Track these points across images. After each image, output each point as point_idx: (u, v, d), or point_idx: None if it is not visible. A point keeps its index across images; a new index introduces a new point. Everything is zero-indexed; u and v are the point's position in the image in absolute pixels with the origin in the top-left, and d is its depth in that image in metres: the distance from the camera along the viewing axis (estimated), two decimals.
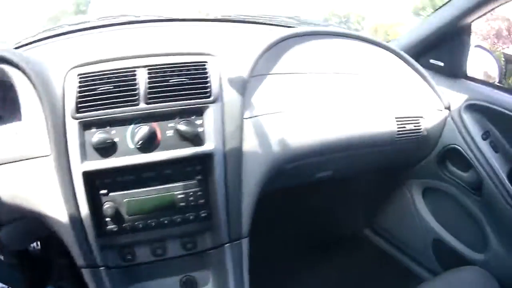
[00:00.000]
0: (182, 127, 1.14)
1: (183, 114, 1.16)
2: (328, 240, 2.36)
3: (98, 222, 1.10)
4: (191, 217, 1.17)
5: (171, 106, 1.15)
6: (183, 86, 1.16)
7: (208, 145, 1.16)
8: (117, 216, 1.11)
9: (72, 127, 1.07)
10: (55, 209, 1.07)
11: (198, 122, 1.17)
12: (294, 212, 2.36)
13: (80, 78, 1.11)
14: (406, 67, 1.76)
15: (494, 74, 1.93)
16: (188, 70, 1.18)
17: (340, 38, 1.66)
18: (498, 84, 1.87)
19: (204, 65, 1.21)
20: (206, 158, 1.16)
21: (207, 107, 1.17)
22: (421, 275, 2.04)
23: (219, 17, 1.91)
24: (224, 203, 1.17)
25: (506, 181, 1.60)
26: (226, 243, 1.20)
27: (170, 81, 1.16)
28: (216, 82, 1.20)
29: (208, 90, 1.18)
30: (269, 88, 1.35)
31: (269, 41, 1.38)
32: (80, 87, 1.10)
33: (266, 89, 1.35)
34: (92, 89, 1.10)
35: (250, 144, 1.21)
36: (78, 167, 1.07)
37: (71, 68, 1.13)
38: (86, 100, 1.09)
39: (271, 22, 1.92)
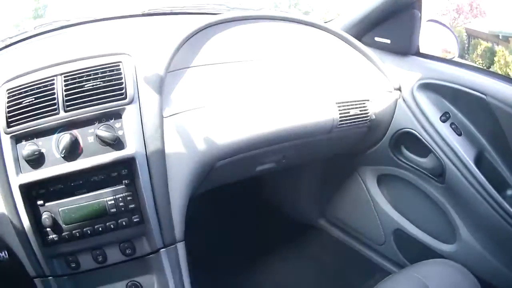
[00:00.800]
0: (101, 132, 1.14)
1: (102, 118, 1.16)
2: (281, 233, 2.32)
3: (40, 232, 1.12)
4: (124, 222, 1.17)
5: (88, 111, 1.15)
6: (99, 89, 1.16)
7: (129, 149, 1.15)
8: (55, 226, 1.11)
9: (6, 142, 1.11)
10: (2, 221, 1.11)
11: (117, 125, 1.16)
12: (244, 206, 2.34)
13: (8, 93, 1.14)
14: (348, 47, 1.66)
15: (453, 49, 1.83)
16: (103, 72, 1.17)
17: (270, 22, 1.57)
18: (456, 60, 1.78)
19: (118, 65, 1.20)
20: (129, 162, 1.15)
21: (124, 109, 1.16)
22: (385, 268, 1.97)
23: (146, 11, 1.82)
24: (153, 207, 1.16)
25: (473, 166, 1.50)
26: (161, 248, 1.20)
27: (85, 86, 1.15)
28: (131, 82, 1.18)
29: (123, 91, 1.17)
30: (189, 83, 1.32)
31: (185, 33, 1.35)
32: (8, 102, 1.13)
33: (187, 84, 1.32)
34: (18, 102, 1.13)
35: (172, 144, 1.20)
36: (15, 180, 1.09)
37: (2, 84, 1.16)
38: (14, 114, 1.12)
39: (198, 11, 1.84)
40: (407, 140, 1.66)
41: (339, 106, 1.52)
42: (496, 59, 14.35)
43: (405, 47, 1.68)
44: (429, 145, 1.57)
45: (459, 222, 1.61)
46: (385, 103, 1.63)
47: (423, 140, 1.58)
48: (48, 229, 1.12)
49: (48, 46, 1.50)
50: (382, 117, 1.63)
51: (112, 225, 1.16)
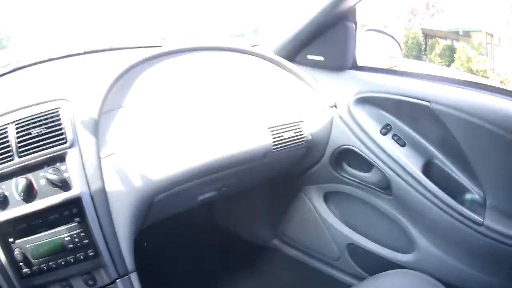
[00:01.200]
0: (50, 175, 1.19)
1: (50, 162, 1.22)
2: (237, 255, 2.32)
3: (15, 266, 1.17)
4: (81, 256, 1.21)
5: (38, 156, 1.20)
6: (43, 135, 1.21)
7: (75, 190, 1.20)
8: (26, 261, 1.17)
9: None
10: None
11: (63, 168, 1.21)
12: (197, 232, 2.36)
13: None
14: (279, 70, 1.66)
15: (396, 55, 1.82)
16: (46, 119, 1.23)
17: (200, 52, 1.59)
18: (396, 69, 1.77)
19: (57, 111, 1.26)
20: (77, 202, 1.20)
21: (66, 152, 1.22)
22: (345, 281, 1.93)
23: (86, 49, 1.84)
24: (103, 242, 1.21)
25: (420, 175, 1.48)
26: (117, 279, 1.24)
27: (32, 132, 1.21)
28: (69, 127, 1.24)
29: (63, 136, 1.22)
30: (123, 122, 1.35)
31: (116, 73, 1.37)
32: None
33: (120, 124, 1.34)
34: None
35: (112, 183, 1.24)
36: None
37: None
38: None
39: (135, 46, 1.88)
40: (348, 156, 1.65)
41: (272, 131, 1.52)
42: (456, 56, 14.65)
43: (339, 62, 1.66)
44: (370, 160, 1.56)
45: (414, 231, 1.59)
46: (320, 122, 1.62)
47: (364, 155, 1.57)
48: (21, 263, 1.17)
49: (1, 91, 1.53)
50: (319, 136, 1.63)
51: (72, 259, 1.21)
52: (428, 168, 1.53)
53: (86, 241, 1.22)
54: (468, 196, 1.49)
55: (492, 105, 1.40)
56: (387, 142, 1.54)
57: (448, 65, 15.35)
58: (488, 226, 1.41)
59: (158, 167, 1.35)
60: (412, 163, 1.51)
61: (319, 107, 1.63)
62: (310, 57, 1.71)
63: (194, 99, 1.47)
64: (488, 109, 1.38)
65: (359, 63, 1.75)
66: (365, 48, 1.76)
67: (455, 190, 1.50)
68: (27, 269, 1.18)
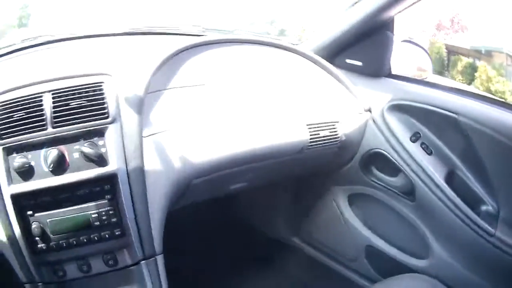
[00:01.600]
0: (86, 149, 1.18)
1: (87, 136, 1.21)
2: (256, 250, 2.36)
3: (30, 241, 1.16)
4: (106, 235, 1.21)
5: (74, 128, 1.19)
6: (83, 108, 1.20)
7: (111, 166, 1.19)
8: (44, 235, 1.16)
9: None
10: None
11: (101, 143, 1.21)
12: (220, 223, 2.38)
13: (0, 106, 1.18)
14: (319, 69, 1.71)
15: (427, 68, 1.86)
16: (87, 92, 1.22)
17: (244, 45, 1.62)
18: (428, 80, 1.79)
19: (101, 86, 1.25)
20: (111, 178, 1.20)
21: (107, 127, 1.21)
22: (359, 283, 1.98)
23: (126, 30, 1.88)
24: (134, 221, 1.21)
25: (443, 184, 1.53)
26: (141, 260, 1.24)
27: (71, 104, 1.20)
28: (113, 102, 1.23)
29: (105, 111, 1.22)
30: (167, 104, 1.37)
31: (163, 55, 1.40)
32: (0, 114, 1.17)
33: (165, 105, 1.36)
34: (9, 116, 1.16)
35: (151, 162, 1.24)
36: (6, 190, 1.13)
37: None
38: (5, 127, 1.16)
39: (176, 32, 1.90)
40: (377, 160, 1.69)
41: (309, 128, 1.56)
42: (477, 74, 14.49)
43: (377, 69, 1.71)
44: (398, 165, 1.61)
45: (431, 238, 1.64)
46: (355, 124, 1.66)
47: (393, 159, 1.62)
48: (37, 238, 1.16)
49: (36, 61, 1.54)
50: (352, 138, 1.67)
51: (95, 237, 1.20)
52: (451, 178, 1.58)
53: (114, 219, 1.21)
54: (483, 207, 1.54)
55: None
56: (416, 149, 1.59)
57: (469, 83, 15.27)
58: (499, 237, 1.47)
59: (199, 152, 1.37)
60: (437, 172, 1.56)
61: (355, 110, 1.68)
62: (349, 61, 1.76)
63: (238, 89, 1.51)
64: (511, 127, 1.43)
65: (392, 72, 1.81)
66: (398, 57, 1.81)
67: (472, 201, 1.54)
68: (42, 245, 1.17)
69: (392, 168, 1.67)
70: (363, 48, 1.72)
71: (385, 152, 1.64)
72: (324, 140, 1.59)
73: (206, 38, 1.58)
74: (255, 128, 1.48)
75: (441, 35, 15.40)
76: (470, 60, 16.04)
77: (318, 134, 1.57)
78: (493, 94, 13.54)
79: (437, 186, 1.54)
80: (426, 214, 1.62)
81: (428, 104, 1.56)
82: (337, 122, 1.63)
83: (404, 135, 1.61)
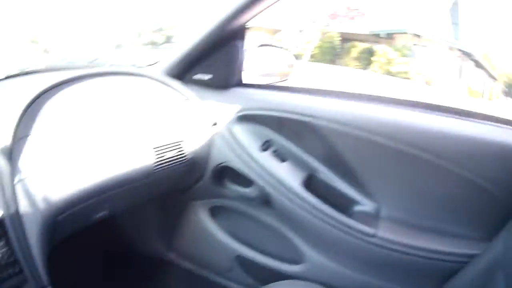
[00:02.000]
0: None
1: None
2: (136, 270, 2.29)
3: None
4: (10, 272, 1.21)
5: None
6: None
7: None
8: None
9: None
10: None
11: None
12: (98, 249, 2.24)
13: None
14: (166, 89, 1.68)
15: (290, 66, 1.90)
16: None
17: (93, 78, 1.58)
18: (283, 84, 1.76)
19: None
20: (1, 223, 1.19)
21: None
22: None
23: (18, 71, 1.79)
24: (23, 259, 1.22)
25: (301, 190, 1.49)
26: None
27: None
28: None
29: None
30: (32, 148, 1.33)
31: (27, 100, 1.38)
32: None
33: (30, 150, 1.33)
34: None
35: (24, 206, 1.24)
36: None
37: None
38: None
39: (49, 69, 1.81)
40: (229, 173, 1.67)
41: (156, 151, 1.53)
42: (375, 58, 15.32)
43: (226, 80, 1.66)
44: (248, 176, 1.59)
45: (300, 243, 1.64)
46: (201, 140, 1.66)
47: (243, 171, 1.60)
48: None
49: None
50: (199, 155, 1.66)
51: (5, 275, 1.21)
52: (311, 183, 1.56)
53: (11, 259, 1.22)
54: (358, 208, 1.53)
55: (378, 116, 1.45)
56: (267, 158, 1.57)
57: (365, 68, 16.30)
58: (381, 237, 1.45)
59: (58, 189, 1.33)
60: (292, 178, 1.54)
61: (201, 126, 1.67)
62: (198, 76, 1.68)
63: (88, 123, 1.47)
64: (373, 120, 1.43)
65: (255, 78, 1.74)
66: (259, 62, 1.76)
67: (343, 203, 1.53)
68: None
69: (244, 180, 1.63)
70: (211, 61, 1.67)
71: (234, 165, 1.61)
72: (172, 160, 1.56)
73: (59, 78, 1.51)
74: (102, 159, 1.43)
75: (336, 24, 16.33)
76: (368, 45, 17.04)
77: (164, 156, 1.54)
78: (394, 76, 14.48)
79: (294, 192, 1.51)
80: (288, 221, 1.62)
81: (279, 111, 1.54)
82: (183, 141, 1.59)
83: (253, 145, 1.58)
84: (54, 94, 1.47)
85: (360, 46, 16.81)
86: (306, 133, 1.50)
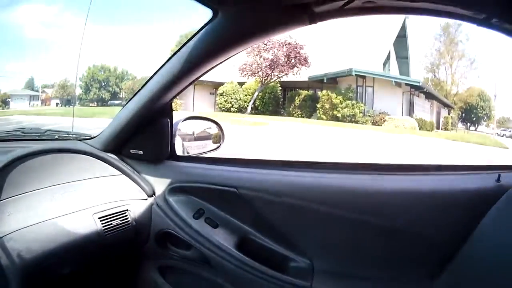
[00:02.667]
0: None
1: None
2: None
3: None
4: None
5: None
6: None
7: None
8: None
9: None
10: None
11: None
12: None
13: None
14: (107, 165, 1.76)
15: (219, 135, 2.00)
16: None
17: (43, 155, 1.67)
18: (211, 156, 1.91)
19: None
20: None
21: None
22: None
23: None
24: None
25: (234, 251, 1.60)
26: None
27: None
28: None
29: None
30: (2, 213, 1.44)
31: None
32: None
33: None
34: None
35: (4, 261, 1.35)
36: None
37: None
38: None
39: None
40: (170, 237, 1.73)
41: (101, 220, 1.61)
42: (319, 105, 15.53)
43: (158, 154, 1.77)
44: (188, 241, 1.66)
45: None
46: (142, 210, 1.72)
47: (182, 236, 1.67)
48: None
49: None
50: (142, 222, 1.72)
51: None
52: (244, 245, 1.64)
53: None
54: (293, 264, 1.61)
55: (299, 181, 1.58)
56: (201, 225, 1.66)
57: (309, 116, 16.67)
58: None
59: (28, 248, 1.45)
60: (225, 241, 1.63)
61: (140, 196, 1.75)
62: (132, 151, 1.79)
63: (42, 195, 1.55)
64: (295, 186, 1.55)
65: (187, 150, 1.90)
66: (188, 134, 1.91)
67: (278, 261, 1.60)
68: None
69: (184, 244, 1.71)
70: (144, 136, 1.76)
71: (173, 231, 1.70)
72: (117, 228, 1.64)
73: (15, 154, 1.61)
74: (60, 225, 1.52)
75: (276, 73, 16.58)
76: (310, 92, 17.52)
77: (111, 224, 1.62)
78: (341, 121, 14.71)
79: (229, 254, 1.60)
80: (228, 280, 1.68)
81: (208, 183, 1.66)
82: (126, 210, 1.68)
83: (187, 213, 1.68)
84: (14, 168, 1.54)
85: (303, 93, 17.11)
86: (233, 202, 1.60)
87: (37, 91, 28.67)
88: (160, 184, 1.73)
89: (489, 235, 1.38)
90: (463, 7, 1.21)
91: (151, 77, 1.68)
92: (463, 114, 29.00)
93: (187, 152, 1.93)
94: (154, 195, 1.73)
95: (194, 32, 1.54)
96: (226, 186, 1.62)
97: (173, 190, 1.70)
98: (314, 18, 1.35)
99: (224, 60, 1.54)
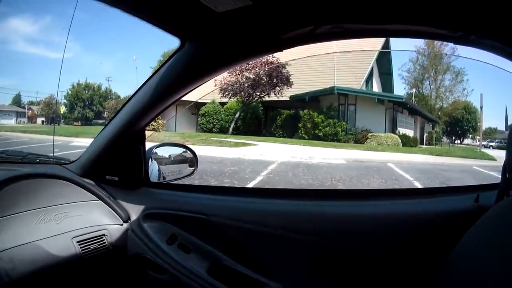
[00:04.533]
0: None
1: None
2: None
3: None
4: None
5: None
6: None
7: None
8: None
9: None
10: None
11: None
12: None
13: None
14: (83, 190, 1.74)
15: (192, 160, 2.01)
16: None
17: (22, 180, 1.62)
18: (184, 183, 1.85)
19: None
20: None
21: None
22: None
23: None
24: None
25: (206, 276, 1.62)
26: None
27: None
28: None
29: None
30: None
31: None
32: None
33: None
34: None
35: None
36: None
37: None
38: None
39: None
40: (146, 262, 1.71)
41: (80, 244, 1.61)
42: (300, 124, 15.67)
43: (133, 180, 1.78)
44: (163, 265, 1.65)
45: None
46: (118, 235, 1.72)
47: (156, 262, 1.67)
48: None
49: None
50: (118, 246, 1.71)
51: None
52: (216, 270, 1.65)
53: None
54: None
55: (266, 209, 1.64)
56: (174, 251, 1.64)
57: (291, 136, 16.70)
58: None
59: (15, 269, 1.45)
60: (197, 266, 1.62)
61: (116, 221, 1.74)
62: (108, 177, 1.81)
63: (18, 220, 1.54)
64: (262, 213, 1.60)
65: (163, 174, 1.88)
66: (165, 158, 1.92)
67: (250, 286, 1.62)
68: None
69: (159, 268, 1.68)
70: (118, 163, 1.78)
71: (148, 256, 1.67)
72: (95, 252, 1.63)
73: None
74: (36, 251, 1.52)
75: (257, 93, 16.67)
76: (292, 111, 17.70)
77: (89, 248, 1.62)
78: (322, 139, 14.70)
79: (202, 279, 1.60)
80: None
81: (179, 210, 1.69)
82: (103, 235, 1.67)
83: (161, 239, 1.67)
84: None
85: (285, 113, 17.34)
86: (204, 228, 1.65)
87: (23, 107, 28.59)
88: (134, 210, 1.75)
89: (467, 256, 1.28)
90: (438, 26, 1.19)
91: (126, 103, 1.70)
92: (448, 128, 29.52)
93: (163, 177, 1.90)
94: (130, 220, 1.75)
95: (164, 61, 1.60)
96: (197, 213, 1.66)
97: (147, 216, 1.73)
98: (281, 44, 1.36)
99: (195, 88, 1.56)
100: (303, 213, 1.62)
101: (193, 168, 1.97)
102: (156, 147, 1.88)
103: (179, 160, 2.00)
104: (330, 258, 1.56)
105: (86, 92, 21.89)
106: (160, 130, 17.23)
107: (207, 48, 1.42)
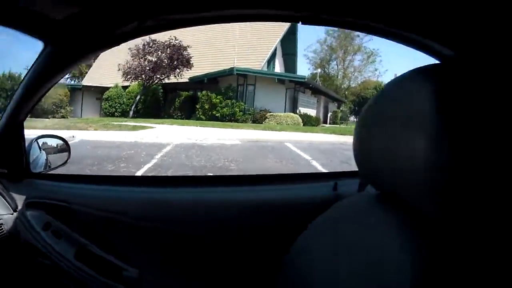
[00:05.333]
0: None
1: None
2: None
3: None
4: None
5: None
6: None
7: None
8: None
9: None
10: None
11: None
12: None
13: None
14: None
15: (66, 150, 2.06)
16: None
17: None
18: (64, 173, 1.95)
19: None
20: None
21: None
22: None
23: None
24: None
25: (73, 260, 1.76)
26: None
27: None
28: None
29: None
30: None
31: None
32: None
33: None
34: None
35: None
36: None
37: None
38: None
39: None
40: (33, 248, 1.79)
41: None
42: (198, 106, 15.84)
43: (16, 172, 1.85)
44: (42, 251, 1.74)
45: None
46: (11, 223, 1.78)
47: (39, 247, 1.76)
48: None
49: None
50: (13, 234, 1.78)
51: None
52: (82, 255, 1.77)
53: None
54: (125, 273, 1.74)
55: (126, 196, 1.73)
56: (48, 237, 1.77)
57: (189, 118, 16.48)
58: None
59: None
60: (66, 251, 1.75)
61: (8, 211, 1.82)
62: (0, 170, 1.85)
63: None
64: (121, 201, 1.70)
65: (49, 163, 1.96)
66: (53, 147, 2.02)
67: (112, 270, 1.76)
68: None
69: (42, 254, 1.79)
70: (5, 155, 1.82)
71: (33, 243, 1.78)
72: None
73: None
74: None
75: (158, 76, 16.61)
76: (190, 93, 17.59)
77: None
78: (221, 120, 14.69)
79: (70, 262, 1.74)
80: (77, 285, 1.80)
81: (51, 199, 1.79)
82: (1, 224, 1.74)
83: (39, 225, 1.79)
84: None
85: (183, 95, 17.29)
86: (69, 216, 1.77)
87: None
88: (19, 200, 1.81)
89: (300, 255, 1.21)
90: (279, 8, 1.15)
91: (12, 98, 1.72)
92: (356, 108, 30.27)
93: (49, 166, 1.99)
94: (17, 210, 1.80)
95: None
96: (61, 202, 1.76)
97: (28, 205, 1.80)
98: (116, 40, 1.39)
99: (61, 78, 1.54)
100: (163, 201, 1.71)
101: (67, 158, 2.00)
102: (35, 140, 1.94)
103: (62, 149, 2.10)
104: (180, 245, 1.68)
105: (10, 82, 21.05)
106: (68, 116, 16.85)
107: (59, 49, 1.46)
